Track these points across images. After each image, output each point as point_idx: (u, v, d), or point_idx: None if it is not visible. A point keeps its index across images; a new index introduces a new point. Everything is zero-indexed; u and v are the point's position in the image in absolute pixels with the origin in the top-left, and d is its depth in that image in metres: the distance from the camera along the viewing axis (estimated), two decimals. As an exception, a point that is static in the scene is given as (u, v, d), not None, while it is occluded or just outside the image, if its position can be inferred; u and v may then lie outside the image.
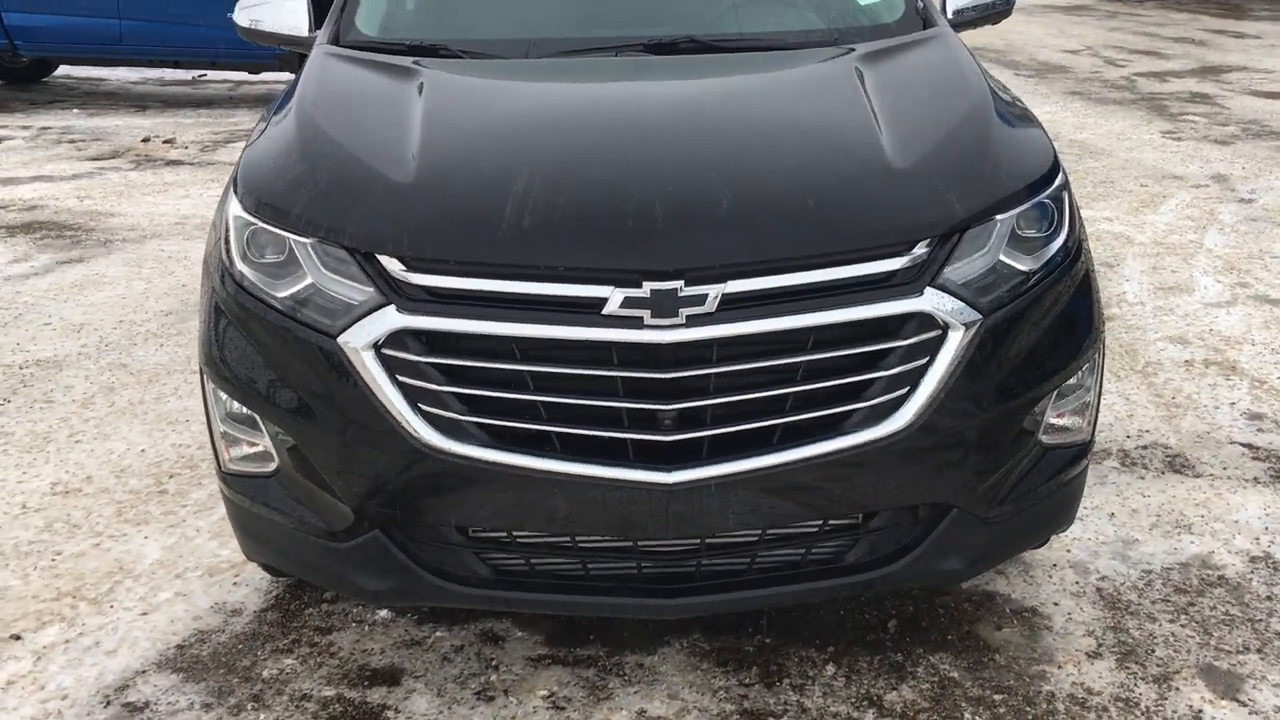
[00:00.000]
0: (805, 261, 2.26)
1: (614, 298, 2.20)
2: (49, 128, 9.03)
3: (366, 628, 2.86)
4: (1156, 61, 12.06)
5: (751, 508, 2.31)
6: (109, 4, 9.37)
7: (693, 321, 2.20)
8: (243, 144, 8.87)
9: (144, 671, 2.71)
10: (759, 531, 2.40)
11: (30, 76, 11.07)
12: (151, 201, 6.90)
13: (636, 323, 2.20)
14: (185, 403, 4.10)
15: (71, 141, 8.55)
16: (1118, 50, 13.02)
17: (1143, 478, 3.54)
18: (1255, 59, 12.03)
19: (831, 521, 2.44)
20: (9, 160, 7.93)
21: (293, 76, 11.20)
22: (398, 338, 2.26)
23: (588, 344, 2.22)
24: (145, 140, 8.56)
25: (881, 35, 3.27)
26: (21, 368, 4.42)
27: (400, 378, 2.26)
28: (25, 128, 9.02)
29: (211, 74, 11.42)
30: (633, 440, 2.25)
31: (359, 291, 2.30)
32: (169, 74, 11.49)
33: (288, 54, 8.84)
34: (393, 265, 2.29)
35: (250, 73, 10.38)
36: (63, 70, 11.44)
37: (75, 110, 9.81)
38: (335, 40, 3.31)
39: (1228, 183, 7.05)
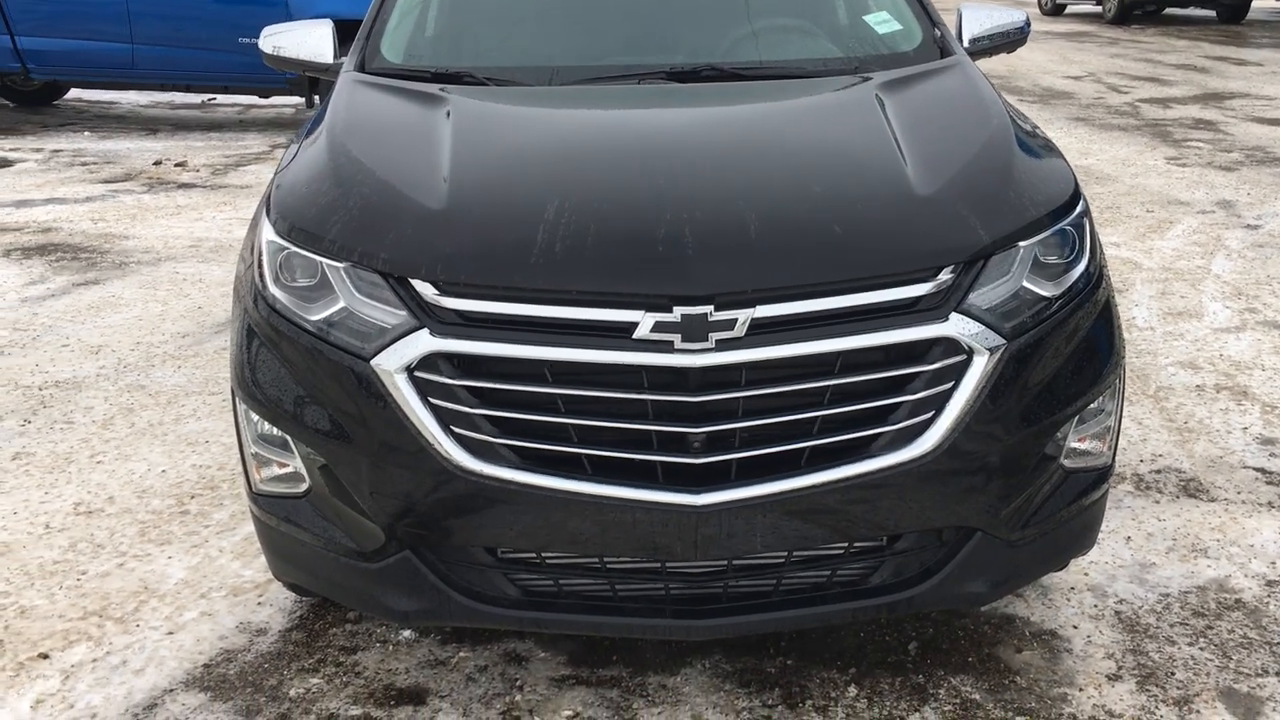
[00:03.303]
0: (833, 286, 2.29)
1: (645, 322, 2.23)
2: (61, 150, 9.09)
3: (391, 647, 2.88)
4: (1159, 88, 12.16)
5: (778, 530, 2.33)
6: (121, 28, 9.46)
7: (722, 346, 2.23)
8: (254, 167, 8.91)
9: (172, 690, 2.73)
10: (785, 553, 2.43)
11: (42, 99, 11.17)
12: (165, 224, 6.95)
13: (667, 347, 2.23)
14: (204, 424, 4.13)
15: (84, 164, 8.61)
16: (1120, 76, 13.12)
17: (1157, 502, 3.57)
18: (1257, 86, 12.12)
19: (857, 544, 2.46)
20: (23, 182, 7.99)
21: (300, 101, 11.14)
22: (430, 361, 2.29)
23: (618, 367, 2.25)
24: (157, 163, 8.62)
25: (900, 64, 3.32)
26: (41, 389, 4.45)
27: (432, 400, 2.29)
28: (37, 150, 9.09)
29: (221, 97, 11.50)
30: (662, 463, 2.27)
31: (392, 315, 2.34)
32: (178, 97, 11.59)
33: (298, 78, 8.93)
34: (426, 290, 2.32)
35: (260, 96, 10.49)
36: (73, 93, 11.53)
37: (87, 133, 9.88)
38: (362, 67, 3.36)
39: (1233, 209, 7.10)
